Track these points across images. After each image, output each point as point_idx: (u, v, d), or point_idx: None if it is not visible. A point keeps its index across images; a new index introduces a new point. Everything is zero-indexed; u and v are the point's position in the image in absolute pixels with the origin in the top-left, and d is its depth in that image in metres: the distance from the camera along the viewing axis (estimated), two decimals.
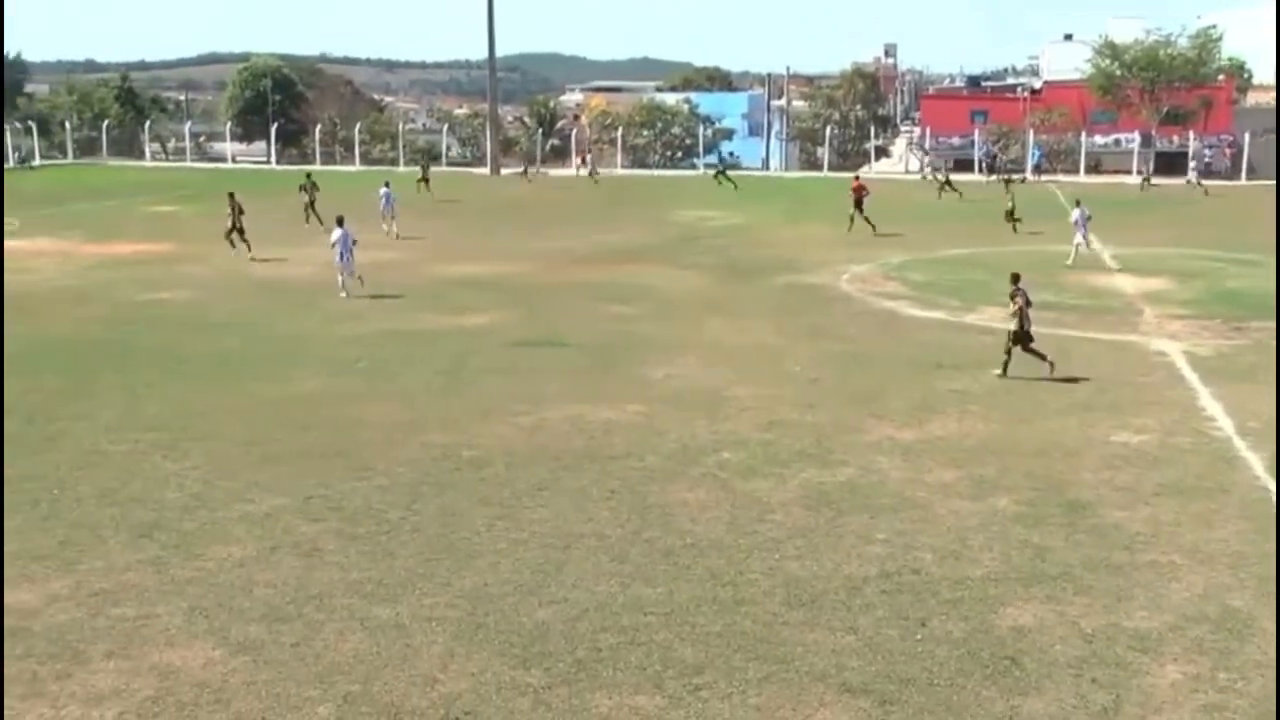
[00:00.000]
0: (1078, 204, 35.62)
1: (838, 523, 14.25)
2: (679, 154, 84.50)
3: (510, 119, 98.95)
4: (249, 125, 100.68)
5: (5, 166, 75.07)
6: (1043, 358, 20.92)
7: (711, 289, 30.97)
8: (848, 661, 10.83)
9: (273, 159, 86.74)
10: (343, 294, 29.27)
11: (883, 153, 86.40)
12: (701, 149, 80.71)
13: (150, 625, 11.57)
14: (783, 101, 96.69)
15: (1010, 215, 41.73)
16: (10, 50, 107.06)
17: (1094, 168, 70.76)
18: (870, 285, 31.64)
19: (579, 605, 11.95)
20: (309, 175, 47.50)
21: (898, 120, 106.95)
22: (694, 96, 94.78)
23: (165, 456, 16.79)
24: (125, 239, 41.18)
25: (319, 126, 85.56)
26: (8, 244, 39.08)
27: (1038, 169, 66.11)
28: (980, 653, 10.99)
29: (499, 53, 73.72)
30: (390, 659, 10.86)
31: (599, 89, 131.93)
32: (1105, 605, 11.95)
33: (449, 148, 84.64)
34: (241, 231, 36.32)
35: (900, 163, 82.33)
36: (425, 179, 55.57)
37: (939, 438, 17.64)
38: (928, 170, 65.78)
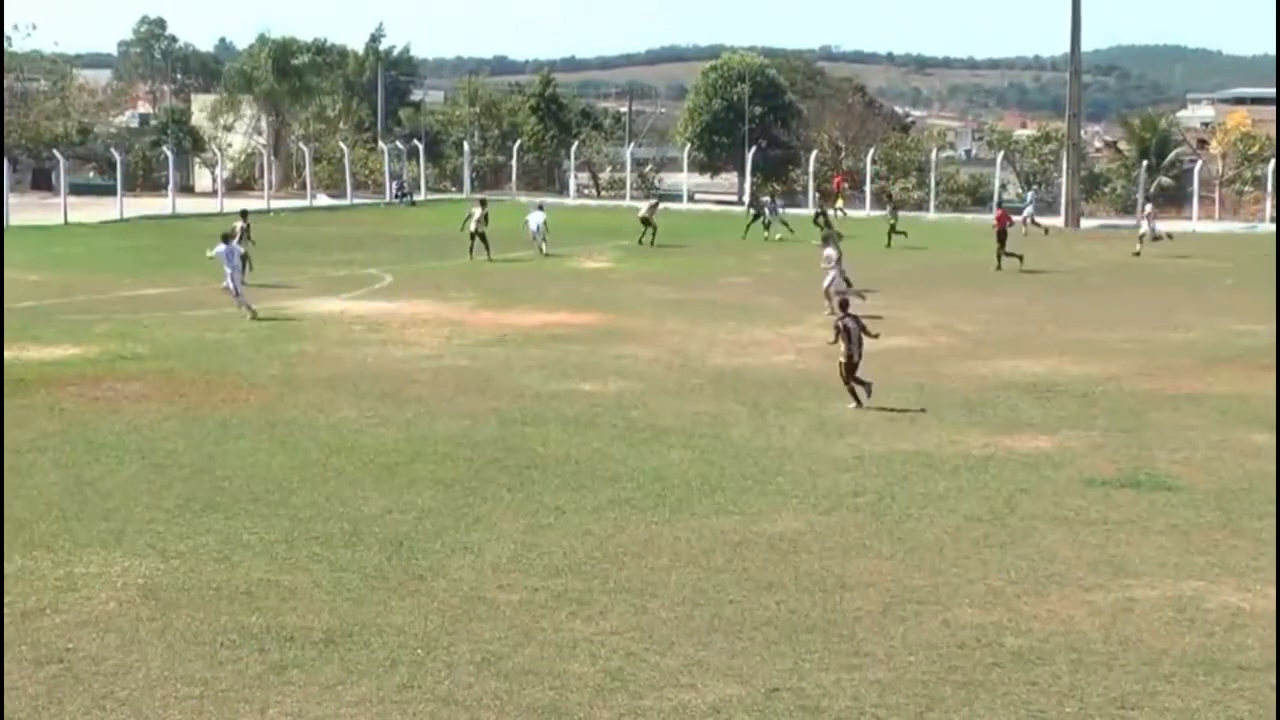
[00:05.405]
0: None
1: None
2: None
3: (1097, 145, 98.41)
4: (715, 149, 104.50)
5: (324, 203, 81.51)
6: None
7: None
8: None
9: (745, 197, 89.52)
10: (244, 312, 41.05)
11: None
12: None
13: None
14: None
15: None
16: (395, 43, 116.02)
17: None
18: None
19: None
20: (483, 202, 61.42)
21: None
22: None
23: (573, 614, 17.42)
24: (536, 305, 43.56)
25: (814, 154, 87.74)
26: (376, 305, 42.43)
27: None
28: None
29: (1088, 46, 73.73)
30: None
31: (1239, 99, 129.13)
32: None
33: (1003, 186, 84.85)
34: None
35: None
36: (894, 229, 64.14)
37: None
38: None
